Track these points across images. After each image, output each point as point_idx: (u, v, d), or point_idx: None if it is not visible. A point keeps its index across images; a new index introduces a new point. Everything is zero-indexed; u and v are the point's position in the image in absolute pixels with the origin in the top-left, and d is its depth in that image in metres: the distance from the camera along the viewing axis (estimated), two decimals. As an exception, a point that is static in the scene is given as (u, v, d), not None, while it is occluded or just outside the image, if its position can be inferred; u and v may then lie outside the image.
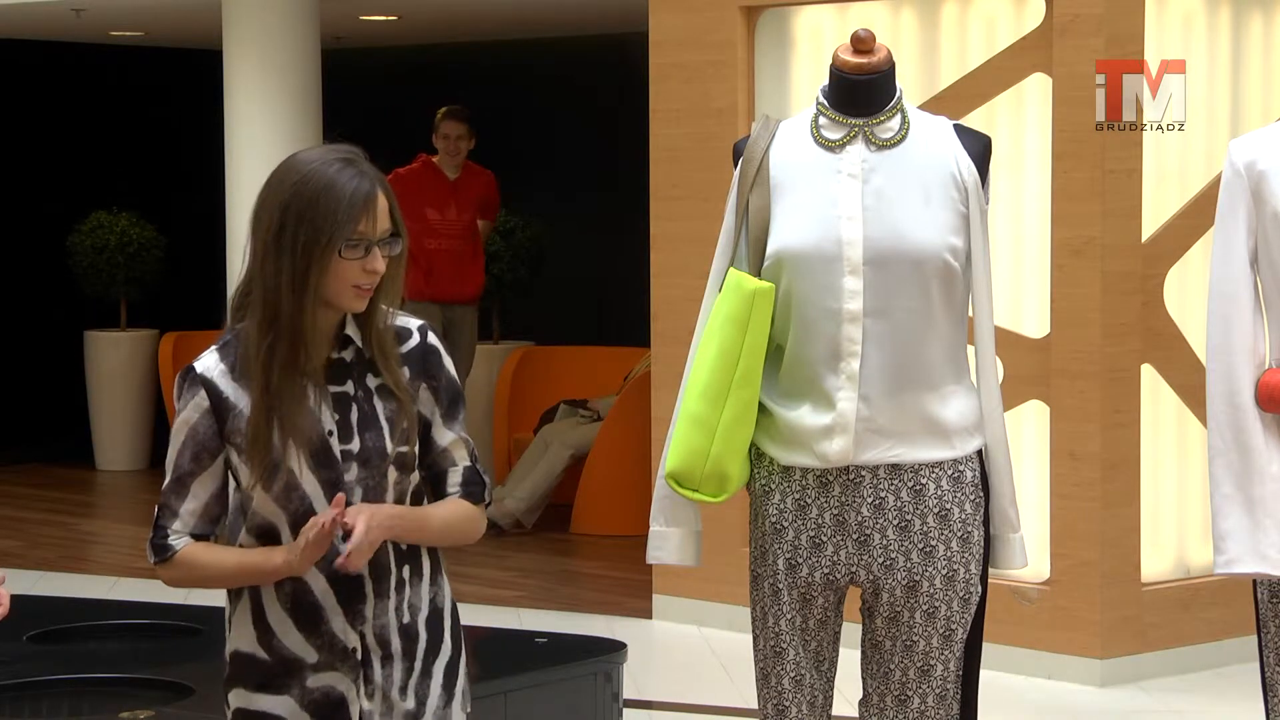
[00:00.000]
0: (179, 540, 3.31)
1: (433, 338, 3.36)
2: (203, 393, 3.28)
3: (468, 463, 3.38)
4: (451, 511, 3.36)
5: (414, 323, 3.36)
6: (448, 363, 3.36)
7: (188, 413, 3.28)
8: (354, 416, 3.27)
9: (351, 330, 3.30)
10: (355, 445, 3.25)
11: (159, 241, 12.15)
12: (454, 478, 3.37)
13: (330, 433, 3.25)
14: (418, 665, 3.32)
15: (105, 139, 13.24)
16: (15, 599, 3.36)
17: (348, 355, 3.30)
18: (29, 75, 12.95)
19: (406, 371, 3.31)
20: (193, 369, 3.29)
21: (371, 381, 3.29)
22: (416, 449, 3.30)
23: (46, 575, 9.10)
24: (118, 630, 6.34)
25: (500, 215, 11.08)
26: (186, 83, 12.94)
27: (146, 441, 12.30)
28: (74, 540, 10.26)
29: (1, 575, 3.29)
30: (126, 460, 12.25)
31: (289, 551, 3.22)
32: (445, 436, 3.36)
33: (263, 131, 9.26)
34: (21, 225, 12.84)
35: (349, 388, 3.28)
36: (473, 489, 3.38)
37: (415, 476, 3.32)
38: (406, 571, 3.32)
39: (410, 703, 3.31)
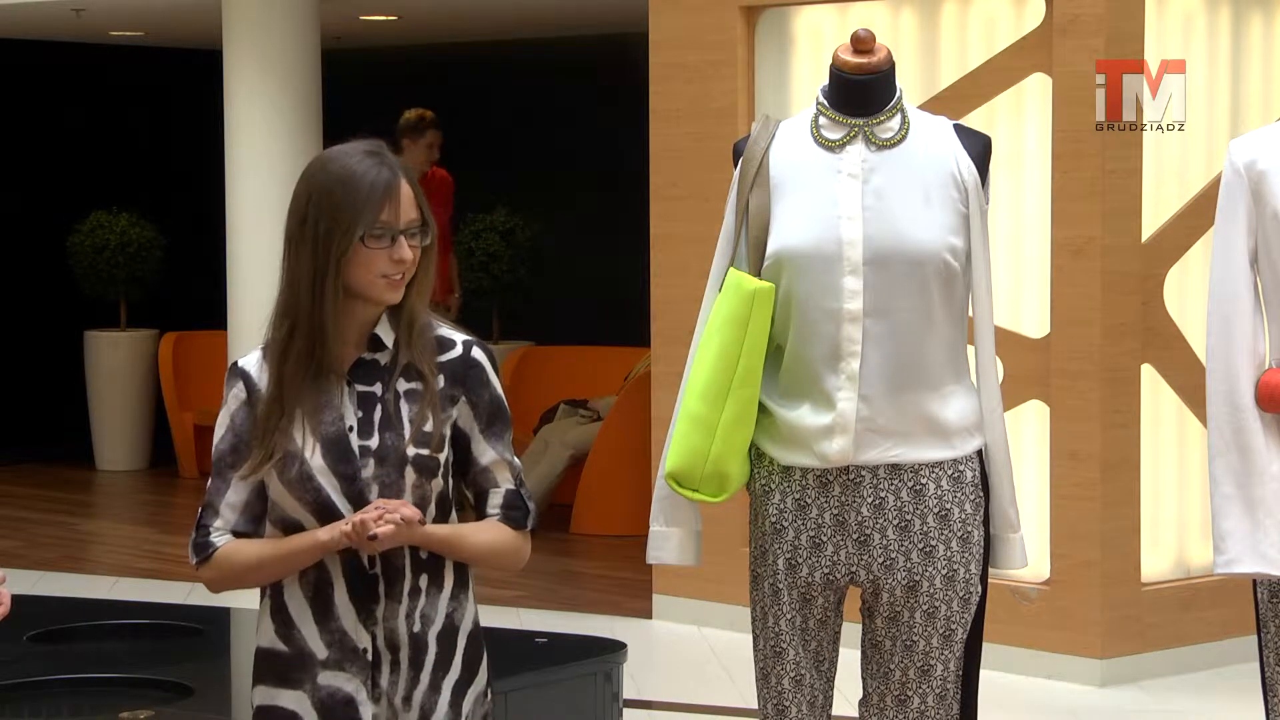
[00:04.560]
0: (220, 537, 3.30)
1: (478, 353, 3.32)
2: (241, 384, 3.31)
3: (510, 486, 3.34)
4: (493, 535, 3.32)
5: (460, 336, 3.33)
6: (492, 380, 3.32)
7: (228, 405, 3.32)
8: (377, 414, 3.25)
9: (383, 331, 3.28)
10: (374, 442, 3.23)
11: (159, 241, 12.15)
12: (494, 499, 3.33)
13: (350, 428, 3.24)
14: (425, 678, 3.27)
15: (105, 139, 13.24)
16: (15, 599, 3.34)
17: (381, 358, 3.28)
18: (29, 75, 12.95)
19: (441, 380, 3.28)
20: (236, 363, 3.33)
21: (403, 385, 3.27)
22: (443, 457, 3.26)
23: (46, 575, 9.10)
24: (118, 630, 6.31)
25: (500, 215, 11.06)
26: (186, 83, 12.94)
27: (146, 441, 12.30)
28: (74, 540, 10.26)
29: (2, 575, 3.29)
30: (126, 460, 12.25)
31: (331, 530, 3.19)
32: (485, 455, 3.32)
33: (262, 131, 9.26)
34: (21, 225, 12.83)
35: (377, 389, 3.27)
36: (514, 513, 3.34)
37: (439, 483, 3.26)
38: (424, 581, 3.27)
39: (414, 715, 3.26)
